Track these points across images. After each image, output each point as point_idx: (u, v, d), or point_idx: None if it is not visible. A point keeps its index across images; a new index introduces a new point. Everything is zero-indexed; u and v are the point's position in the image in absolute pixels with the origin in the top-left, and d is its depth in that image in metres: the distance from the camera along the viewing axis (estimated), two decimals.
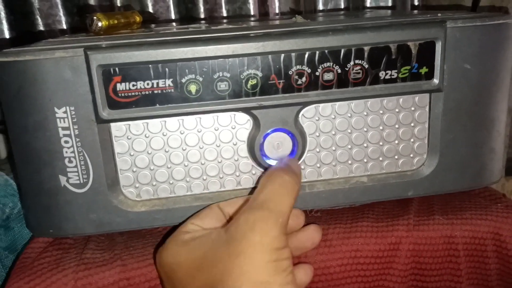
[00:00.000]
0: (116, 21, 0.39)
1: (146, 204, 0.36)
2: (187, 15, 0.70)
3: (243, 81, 0.33)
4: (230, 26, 0.39)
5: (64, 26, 0.72)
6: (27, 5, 0.70)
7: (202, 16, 0.70)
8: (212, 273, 0.28)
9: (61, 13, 0.72)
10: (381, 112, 0.37)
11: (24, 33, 0.69)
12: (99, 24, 0.39)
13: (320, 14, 0.68)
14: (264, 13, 0.69)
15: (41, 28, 0.71)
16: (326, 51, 0.33)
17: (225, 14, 0.69)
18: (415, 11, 0.56)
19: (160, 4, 0.70)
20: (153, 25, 0.55)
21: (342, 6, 0.73)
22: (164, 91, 0.33)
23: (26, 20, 0.70)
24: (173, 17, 0.70)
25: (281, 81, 0.34)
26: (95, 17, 0.38)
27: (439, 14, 0.39)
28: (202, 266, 0.29)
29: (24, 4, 0.69)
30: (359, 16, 0.49)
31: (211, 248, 0.29)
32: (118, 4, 0.71)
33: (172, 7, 0.70)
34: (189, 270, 0.29)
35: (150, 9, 0.71)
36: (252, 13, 0.69)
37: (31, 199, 0.35)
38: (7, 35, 0.69)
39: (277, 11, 0.69)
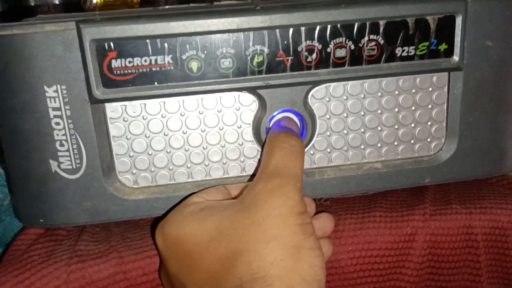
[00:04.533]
0: None
1: (144, 191, 0.34)
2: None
3: (249, 58, 0.31)
4: (234, 2, 0.37)
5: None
6: None
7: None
8: (232, 242, 0.27)
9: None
10: (396, 92, 0.35)
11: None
12: (94, 1, 0.36)
13: None
14: None
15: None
16: (339, 25, 0.31)
17: None
18: None
19: None
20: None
21: None
22: (163, 69, 0.31)
23: (19, 3, 0.68)
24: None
25: (290, 58, 0.31)
26: None
27: None
28: (218, 236, 0.27)
29: None
30: None
31: (226, 216, 0.27)
32: None
33: None
34: (200, 241, 0.27)
35: None
36: None
37: (20, 186, 0.33)
38: None
39: None
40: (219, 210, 0.28)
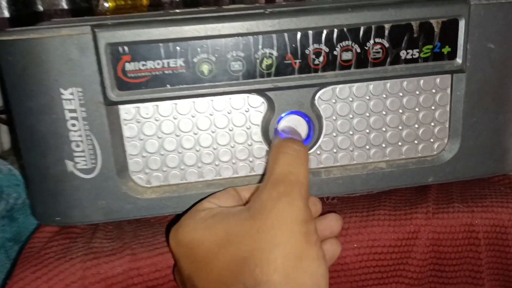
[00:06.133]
0: (123, 2, 0.38)
1: (156, 190, 0.35)
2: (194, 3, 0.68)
3: (258, 60, 0.32)
4: (243, 6, 0.38)
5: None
6: None
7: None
8: (239, 249, 0.27)
9: (63, 2, 0.70)
10: (400, 94, 0.35)
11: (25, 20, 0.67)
12: (106, 4, 0.37)
13: None
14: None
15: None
16: (345, 29, 0.32)
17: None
18: None
19: None
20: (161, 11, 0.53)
21: None
22: (175, 71, 0.31)
23: (27, 8, 0.69)
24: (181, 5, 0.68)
25: (298, 61, 0.32)
26: None
27: None
28: (226, 243, 0.28)
29: None
30: None
31: (234, 224, 0.28)
32: None
33: None
34: (210, 247, 0.28)
35: None
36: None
37: (36, 185, 0.34)
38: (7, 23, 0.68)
39: None
40: (228, 218, 0.29)
